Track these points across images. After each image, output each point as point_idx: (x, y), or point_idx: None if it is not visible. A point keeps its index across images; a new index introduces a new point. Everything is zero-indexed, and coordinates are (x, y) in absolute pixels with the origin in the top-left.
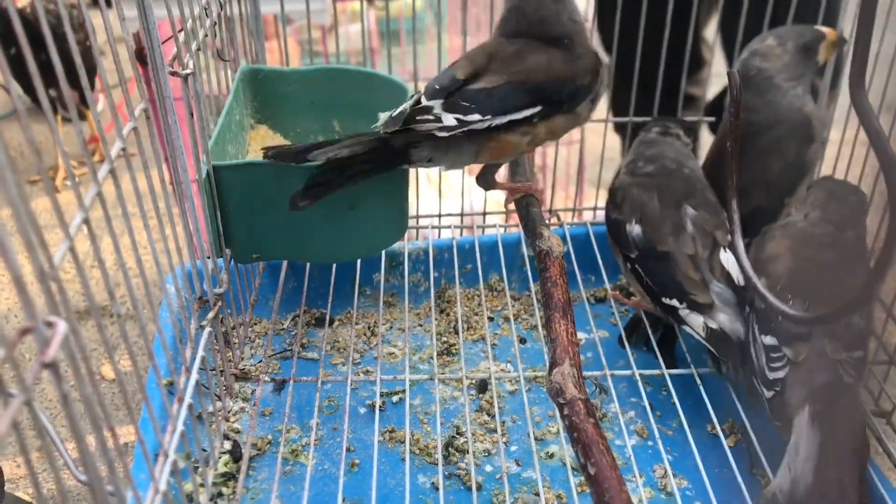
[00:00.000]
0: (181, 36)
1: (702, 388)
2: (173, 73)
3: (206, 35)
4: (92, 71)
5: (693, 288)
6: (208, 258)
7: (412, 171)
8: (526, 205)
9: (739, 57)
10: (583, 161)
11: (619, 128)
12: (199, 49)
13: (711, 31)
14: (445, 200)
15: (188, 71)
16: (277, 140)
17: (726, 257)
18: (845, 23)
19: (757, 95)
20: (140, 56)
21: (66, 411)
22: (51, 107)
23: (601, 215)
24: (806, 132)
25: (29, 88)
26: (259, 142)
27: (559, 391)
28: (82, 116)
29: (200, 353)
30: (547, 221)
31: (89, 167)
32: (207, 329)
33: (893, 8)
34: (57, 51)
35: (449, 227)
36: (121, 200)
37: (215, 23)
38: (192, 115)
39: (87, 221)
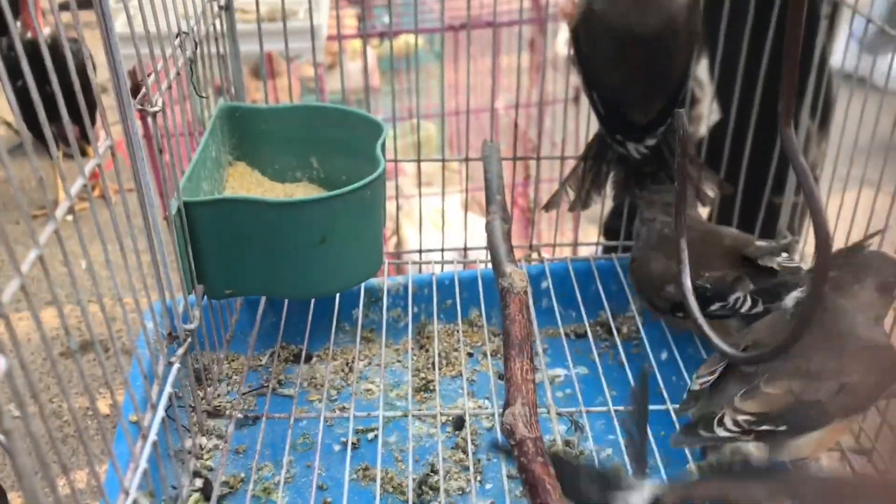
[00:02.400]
0: (149, 73)
1: (678, 425)
2: (141, 111)
3: (179, 73)
4: (93, 107)
5: None
6: (179, 295)
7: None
8: (493, 241)
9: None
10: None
11: None
12: (169, 87)
13: (703, 70)
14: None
15: (156, 109)
16: (255, 177)
17: None
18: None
19: None
20: (136, 93)
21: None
22: (53, 141)
23: (582, 251)
24: None
25: (32, 124)
26: (237, 178)
27: (510, 432)
28: (83, 152)
29: (168, 389)
30: (523, 256)
31: (48, 208)
32: (176, 366)
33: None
34: (59, 85)
35: (452, 261)
36: (101, 236)
37: (191, 61)
38: (160, 151)
39: (41, 259)
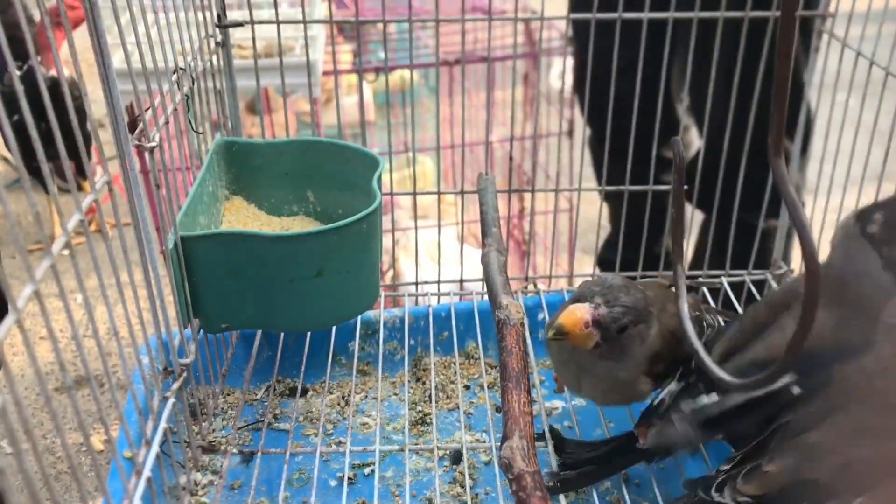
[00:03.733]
0: (147, 109)
1: (677, 458)
2: (138, 146)
3: (176, 108)
4: (88, 141)
5: None
6: (174, 329)
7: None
8: (489, 273)
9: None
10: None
11: (608, 197)
12: (166, 123)
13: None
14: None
15: (153, 144)
16: (252, 211)
17: None
18: (811, 94)
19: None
20: (132, 128)
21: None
22: (50, 176)
23: (578, 283)
24: None
25: (28, 160)
26: (233, 213)
27: (508, 466)
28: (80, 187)
29: (163, 424)
30: (519, 288)
31: (44, 242)
32: (171, 400)
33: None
34: (56, 120)
35: (448, 293)
36: (97, 271)
37: (187, 96)
38: (157, 186)
39: (37, 294)
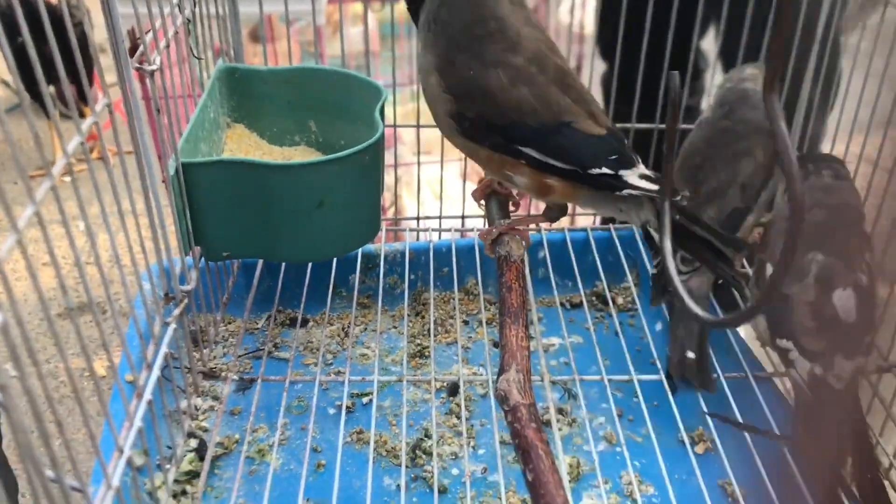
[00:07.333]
0: (147, 32)
1: (671, 395)
2: (138, 69)
3: (177, 32)
4: (90, 65)
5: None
6: (176, 256)
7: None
8: (491, 209)
9: (729, 83)
10: None
11: None
12: (167, 46)
13: (707, 42)
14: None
15: (153, 67)
16: (254, 139)
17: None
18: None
19: (752, 110)
20: (133, 53)
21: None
22: (51, 101)
23: (580, 221)
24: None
25: (29, 84)
26: (235, 140)
27: (504, 398)
28: (81, 114)
29: (164, 349)
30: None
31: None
32: (172, 326)
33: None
34: (57, 44)
35: (449, 230)
36: (99, 197)
37: (188, 20)
38: (158, 111)
39: (38, 215)
